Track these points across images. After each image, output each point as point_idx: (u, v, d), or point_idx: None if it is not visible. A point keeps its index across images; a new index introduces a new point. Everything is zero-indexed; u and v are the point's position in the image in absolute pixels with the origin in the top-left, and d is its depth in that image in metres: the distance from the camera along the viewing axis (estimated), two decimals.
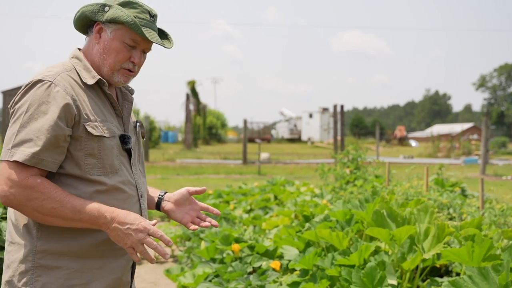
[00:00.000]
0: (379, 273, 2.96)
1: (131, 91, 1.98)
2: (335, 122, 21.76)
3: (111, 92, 1.87)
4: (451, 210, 4.70)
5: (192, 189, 1.99)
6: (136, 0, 1.83)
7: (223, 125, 46.29)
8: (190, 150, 30.72)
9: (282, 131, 50.42)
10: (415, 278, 3.33)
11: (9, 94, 30.45)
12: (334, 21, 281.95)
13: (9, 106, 1.73)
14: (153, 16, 1.85)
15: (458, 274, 3.49)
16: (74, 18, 1.86)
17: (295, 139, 46.53)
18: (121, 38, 1.79)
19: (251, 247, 4.63)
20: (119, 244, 1.68)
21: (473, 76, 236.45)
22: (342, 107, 21.18)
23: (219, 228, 5.37)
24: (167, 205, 2.01)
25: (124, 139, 1.82)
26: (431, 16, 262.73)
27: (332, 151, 18.52)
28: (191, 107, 35.85)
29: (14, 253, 1.74)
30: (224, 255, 4.62)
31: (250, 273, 4.15)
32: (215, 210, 1.99)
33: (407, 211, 3.60)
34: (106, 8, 1.80)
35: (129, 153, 1.85)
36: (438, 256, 3.42)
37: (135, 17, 1.78)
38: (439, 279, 3.28)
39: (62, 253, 1.72)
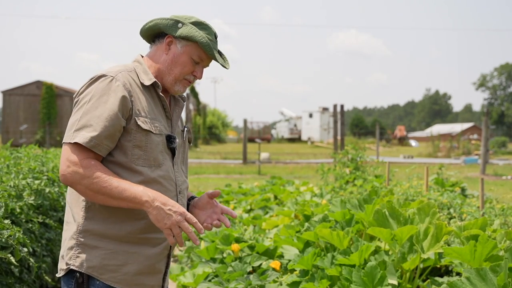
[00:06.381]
0: (380, 273, 2.96)
1: (183, 98, 2.16)
2: (335, 122, 21.74)
3: (164, 96, 2.04)
4: (451, 210, 4.70)
5: (209, 192, 2.11)
6: (205, 22, 2.01)
7: (225, 125, 46.23)
8: (190, 150, 30.68)
9: (282, 131, 50.33)
10: (415, 278, 3.32)
11: (9, 94, 30.27)
12: (329, 21, 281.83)
13: (74, 96, 1.93)
14: (216, 38, 2.03)
15: (458, 274, 3.48)
16: (145, 26, 2.04)
17: (295, 139, 46.46)
18: (190, 54, 1.99)
19: (251, 247, 4.62)
20: (157, 224, 1.80)
21: (473, 76, 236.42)
22: (342, 106, 21.16)
23: (220, 228, 5.37)
24: (192, 210, 2.14)
25: (170, 139, 2.00)
26: (431, 16, 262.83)
27: (332, 151, 18.50)
28: (191, 107, 35.81)
29: (66, 232, 1.94)
30: (224, 255, 4.61)
31: (250, 273, 4.15)
32: (234, 214, 2.10)
33: (410, 212, 3.58)
34: (179, 25, 1.98)
35: (173, 152, 2.02)
36: (440, 256, 3.42)
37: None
38: (439, 279, 3.27)
39: (103, 235, 1.89)
